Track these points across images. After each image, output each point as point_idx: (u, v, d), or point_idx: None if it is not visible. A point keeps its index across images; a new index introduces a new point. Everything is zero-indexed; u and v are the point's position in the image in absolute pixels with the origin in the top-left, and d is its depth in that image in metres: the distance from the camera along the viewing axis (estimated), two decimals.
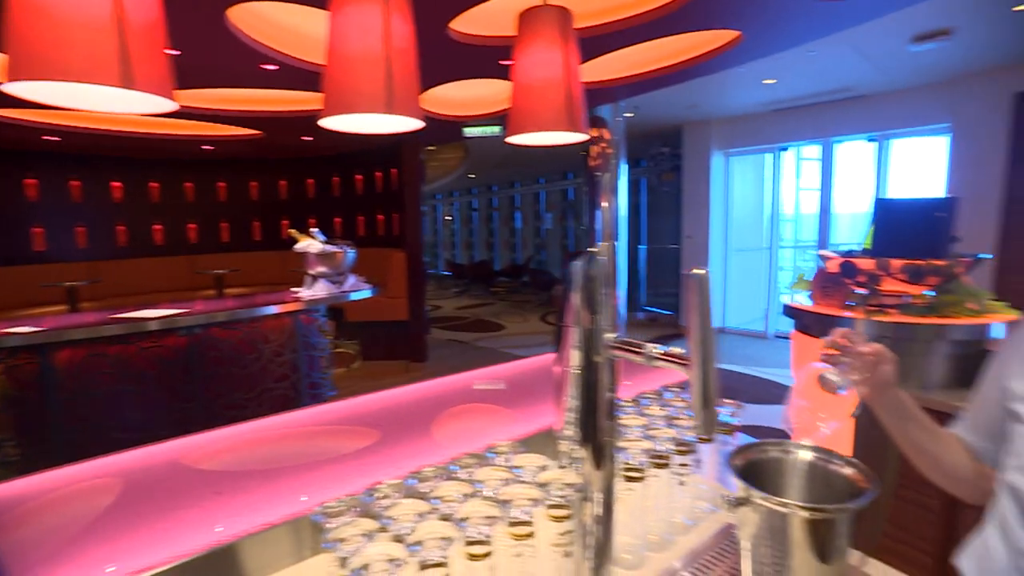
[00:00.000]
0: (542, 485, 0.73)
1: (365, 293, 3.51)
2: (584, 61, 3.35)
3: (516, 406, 1.32)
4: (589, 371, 0.72)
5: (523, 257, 13.29)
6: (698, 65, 3.37)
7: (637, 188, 9.09)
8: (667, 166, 7.84)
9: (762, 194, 7.32)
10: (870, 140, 6.00)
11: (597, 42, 2.92)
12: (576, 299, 0.70)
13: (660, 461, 0.87)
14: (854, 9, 2.64)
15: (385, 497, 0.71)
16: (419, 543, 0.61)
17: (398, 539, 0.62)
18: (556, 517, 0.72)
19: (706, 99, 5.81)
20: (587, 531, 0.77)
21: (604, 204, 4.57)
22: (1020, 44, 4.05)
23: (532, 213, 13.32)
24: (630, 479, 0.83)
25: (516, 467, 0.78)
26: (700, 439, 0.93)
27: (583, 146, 4.69)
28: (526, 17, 1.14)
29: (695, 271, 0.57)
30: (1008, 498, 0.74)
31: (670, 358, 0.61)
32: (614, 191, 4.60)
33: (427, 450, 1.07)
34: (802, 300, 2.28)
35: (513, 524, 0.68)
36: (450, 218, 16.83)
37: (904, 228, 2.02)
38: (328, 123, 0.91)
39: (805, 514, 0.68)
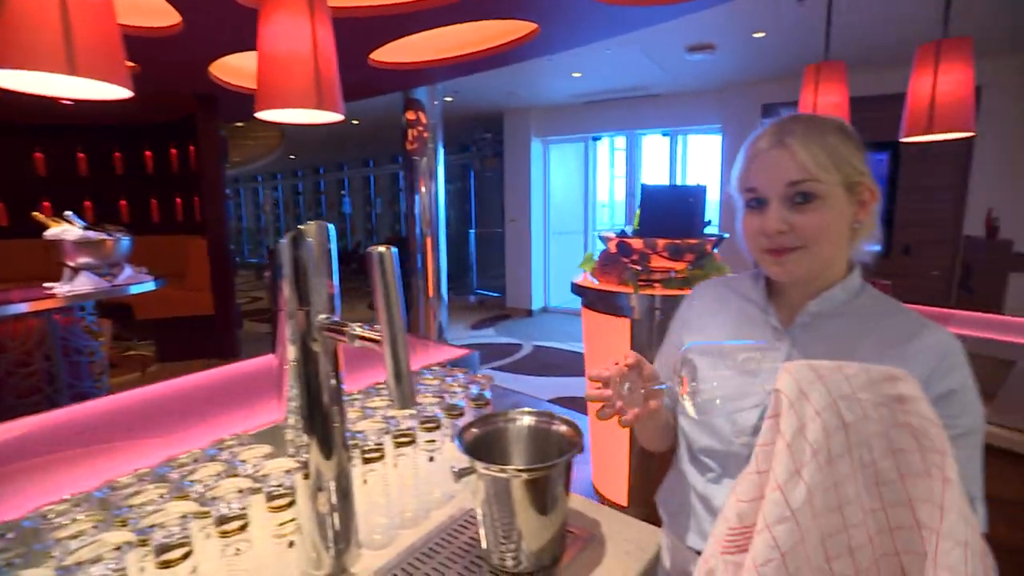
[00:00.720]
0: (261, 476, 0.70)
1: (148, 286, 3.07)
2: (387, 41, 3.27)
3: (260, 399, 1.25)
4: (307, 357, 0.70)
5: (352, 243, 12.78)
6: (504, 53, 3.49)
7: (466, 173, 9.23)
8: (490, 152, 8.06)
9: (580, 181, 7.89)
10: (664, 135, 6.77)
11: (396, 22, 2.87)
12: (285, 284, 0.67)
13: (405, 439, 0.88)
14: (632, 16, 2.93)
15: (60, 515, 0.62)
16: (89, 562, 0.55)
17: (61, 565, 0.55)
18: (275, 508, 0.70)
19: (522, 88, 6.06)
20: (322, 519, 0.75)
21: (423, 189, 4.55)
22: (762, 64, 4.87)
23: (363, 198, 12.83)
24: (369, 460, 0.83)
25: (241, 460, 0.74)
26: (449, 415, 0.97)
27: (401, 129, 4.61)
28: None
29: (378, 249, 0.57)
30: (681, 438, 0.89)
31: (365, 337, 0.61)
32: (432, 175, 4.60)
33: (141, 454, 0.96)
34: (588, 278, 2.50)
35: (222, 521, 0.64)
36: (275, 202, 15.55)
37: (665, 212, 2.31)
38: None
39: (518, 475, 0.74)
